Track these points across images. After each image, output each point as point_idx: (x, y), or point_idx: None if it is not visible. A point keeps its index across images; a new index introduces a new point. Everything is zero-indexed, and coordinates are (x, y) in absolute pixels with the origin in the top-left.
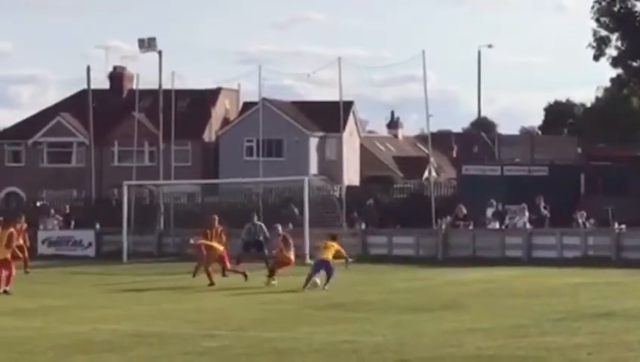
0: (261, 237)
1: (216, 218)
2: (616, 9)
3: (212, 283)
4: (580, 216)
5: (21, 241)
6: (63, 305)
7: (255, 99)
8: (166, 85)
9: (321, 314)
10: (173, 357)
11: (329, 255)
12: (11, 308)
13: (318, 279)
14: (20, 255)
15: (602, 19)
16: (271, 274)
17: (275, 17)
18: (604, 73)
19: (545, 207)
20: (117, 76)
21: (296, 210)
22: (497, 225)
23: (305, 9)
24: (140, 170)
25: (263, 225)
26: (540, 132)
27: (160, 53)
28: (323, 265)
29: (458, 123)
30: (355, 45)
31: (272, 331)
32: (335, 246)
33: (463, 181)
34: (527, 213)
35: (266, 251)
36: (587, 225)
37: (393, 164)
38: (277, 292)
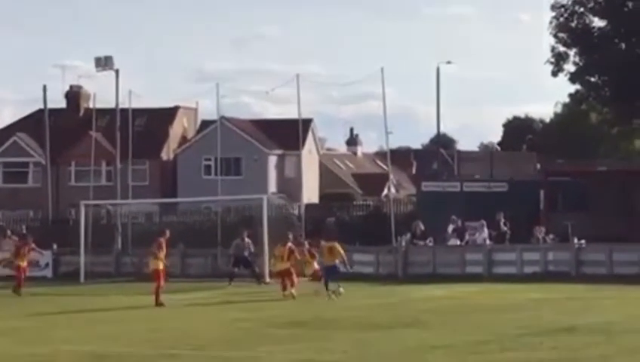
0: (246, 253)
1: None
2: (573, 25)
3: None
4: (539, 232)
5: None
6: (22, 326)
7: (213, 117)
8: (123, 104)
9: (282, 333)
10: None
11: (335, 259)
12: None
13: (342, 288)
14: None
15: (560, 34)
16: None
17: (233, 35)
18: (563, 89)
19: (505, 223)
20: (73, 95)
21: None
22: (457, 242)
23: (262, 26)
24: (97, 190)
25: (250, 241)
26: (499, 148)
27: (117, 71)
28: (333, 270)
29: (418, 139)
30: (313, 62)
31: (233, 350)
32: (339, 249)
33: (423, 198)
34: (486, 230)
35: (255, 268)
36: (547, 240)
37: (352, 181)
38: (236, 310)
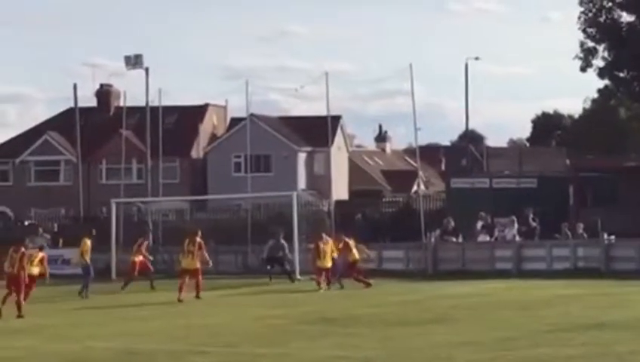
0: (280, 254)
1: (199, 232)
2: (602, 20)
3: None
4: (578, 228)
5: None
6: (53, 323)
7: (242, 114)
8: (153, 102)
9: (312, 329)
10: None
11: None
12: (1, 326)
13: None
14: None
15: (589, 30)
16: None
17: (261, 32)
18: (592, 84)
19: (534, 219)
20: (104, 94)
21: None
22: (487, 238)
23: (290, 23)
24: (128, 188)
25: (286, 244)
26: (528, 144)
27: (147, 70)
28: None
29: (446, 136)
30: (341, 59)
31: (263, 347)
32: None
33: (452, 194)
34: (516, 225)
35: (287, 266)
36: (584, 236)
37: (382, 177)
38: (267, 307)
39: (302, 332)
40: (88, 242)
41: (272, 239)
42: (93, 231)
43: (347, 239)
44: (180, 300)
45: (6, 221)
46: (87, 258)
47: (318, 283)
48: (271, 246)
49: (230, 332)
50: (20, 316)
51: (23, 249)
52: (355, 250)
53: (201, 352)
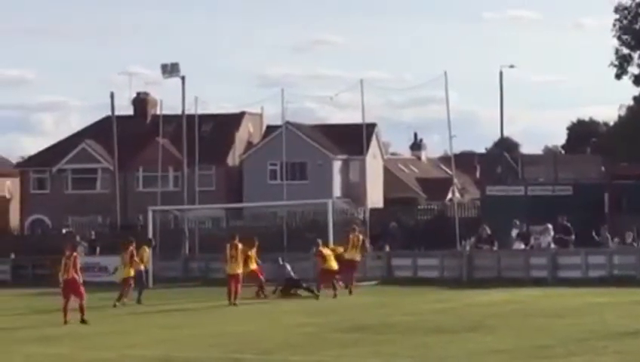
0: (289, 276)
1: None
2: (637, 27)
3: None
4: (628, 236)
5: None
6: (90, 331)
7: (277, 122)
8: (189, 110)
9: (347, 337)
10: None
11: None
12: (39, 334)
13: None
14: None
15: (624, 37)
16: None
17: (295, 40)
18: (627, 91)
19: (567, 227)
20: (140, 102)
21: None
22: (522, 246)
23: (324, 32)
24: (164, 195)
25: (287, 264)
26: (563, 151)
27: (183, 78)
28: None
29: (481, 143)
30: (375, 67)
31: (298, 354)
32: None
33: (487, 201)
34: (552, 233)
35: (302, 284)
36: (635, 244)
37: (416, 185)
38: (301, 314)
39: (336, 340)
40: (148, 250)
41: (274, 263)
42: (153, 241)
43: (322, 249)
44: (234, 304)
45: (44, 229)
46: (145, 266)
47: (333, 288)
48: (275, 270)
49: (265, 339)
50: (83, 321)
51: (75, 253)
52: (331, 261)
53: (236, 359)
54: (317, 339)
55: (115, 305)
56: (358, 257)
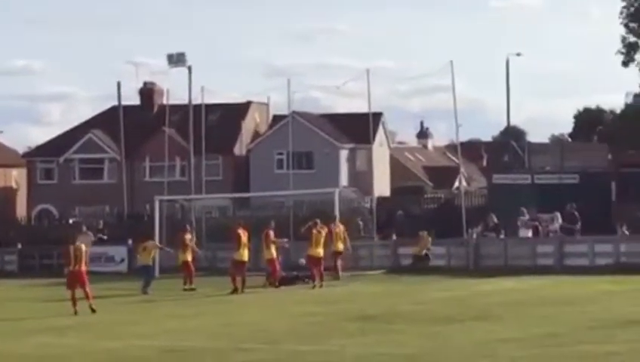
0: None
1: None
2: None
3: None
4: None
5: None
6: (98, 321)
7: (284, 111)
8: (196, 100)
9: (353, 326)
10: None
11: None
12: (46, 324)
13: None
14: None
15: (631, 25)
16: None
17: (302, 30)
18: (634, 79)
19: (574, 215)
20: (147, 92)
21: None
22: (529, 234)
23: (331, 21)
24: (171, 185)
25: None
26: (570, 139)
27: (189, 68)
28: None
29: (487, 132)
30: (382, 56)
31: (305, 344)
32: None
33: (494, 190)
34: (560, 220)
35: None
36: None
37: (423, 174)
38: (309, 303)
39: (343, 329)
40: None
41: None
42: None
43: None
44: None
45: (51, 219)
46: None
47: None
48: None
49: (271, 329)
50: (92, 309)
51: (85, 248)
52: (318, 248)
53: (243, 349)
54: (324, 328)
55: (184, 290)
56: (340, 248)
